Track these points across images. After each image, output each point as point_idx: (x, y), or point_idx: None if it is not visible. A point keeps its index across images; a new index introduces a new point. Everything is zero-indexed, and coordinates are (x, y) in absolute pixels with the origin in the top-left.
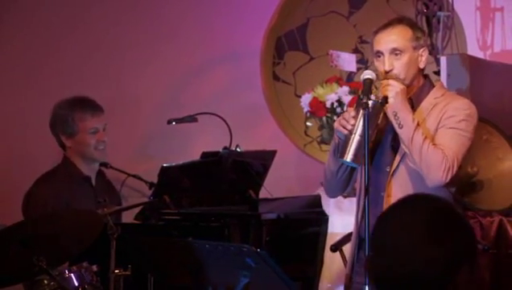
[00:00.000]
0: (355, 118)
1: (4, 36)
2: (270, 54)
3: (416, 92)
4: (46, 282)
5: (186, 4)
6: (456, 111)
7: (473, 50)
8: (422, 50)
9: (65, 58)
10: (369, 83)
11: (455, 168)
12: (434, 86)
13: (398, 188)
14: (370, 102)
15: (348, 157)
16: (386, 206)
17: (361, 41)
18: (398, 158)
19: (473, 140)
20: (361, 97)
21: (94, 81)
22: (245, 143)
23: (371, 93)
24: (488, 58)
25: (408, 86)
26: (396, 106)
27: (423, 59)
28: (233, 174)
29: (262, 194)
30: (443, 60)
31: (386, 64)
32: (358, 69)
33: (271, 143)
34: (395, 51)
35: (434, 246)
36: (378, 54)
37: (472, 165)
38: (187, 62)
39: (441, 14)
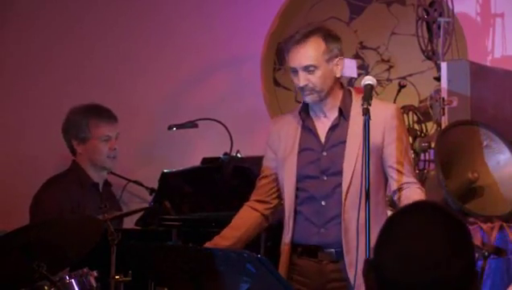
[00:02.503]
0: None
1: (4, 42)
2: (271, 59)
3: (342, 101)
4: (46, 288)
5: (186, 9)
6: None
7: (474, 56)
8: (337, 60)
9: (64, 63)
10: (369, 89)
11: None
12: (350, 92)
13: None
14: None
15: None
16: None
17: (362, 47)
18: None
19: (474, 146)
20: (362, 102)
21: (94, 87)
22: (246, 149)
23: (371, 99)
24: (489, 64)
25: (327, 97)
26: None
27: (339, 68)
28: (234, 180)
29: None
30: (443, 65)
31: (300, 80)
32: (359, 75)
33: None
34: (309, 68)
35: (455, 257)
36: (293, 70)
37: (473, 171)
38: (188, 67)
39: (442, 20)
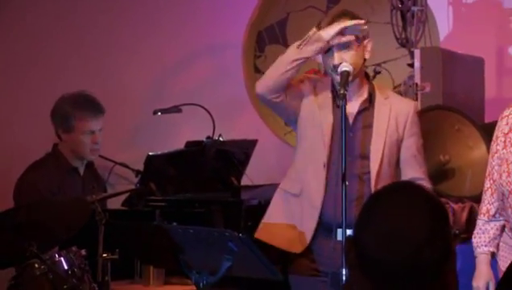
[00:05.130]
0: None
1: None
2: (252, 47)
3: (370, 88)
4: (37, 266)
5: (170, 2)
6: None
7: (446, 43)
8: (367, 41)
9: (54, 53)
10: (346, 75)
11: None
12: (371, 81)
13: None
14: None
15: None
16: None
17: None
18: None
19: (446, 129)
20: (339, 88)
21: (82, 75)
22: (228, 133)
23: (348, 85)
24: (459, 51)
25: (355, 78)
26: None
27: (368, 50)
28: (216, 162)
29: (244, 181)
30: (417, 52)
31: (335, 58)
32: None
33: (252, 133)
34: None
35: (434, 237)
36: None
37: (444, 153)
38: (172, 55)
39: (415, 8)
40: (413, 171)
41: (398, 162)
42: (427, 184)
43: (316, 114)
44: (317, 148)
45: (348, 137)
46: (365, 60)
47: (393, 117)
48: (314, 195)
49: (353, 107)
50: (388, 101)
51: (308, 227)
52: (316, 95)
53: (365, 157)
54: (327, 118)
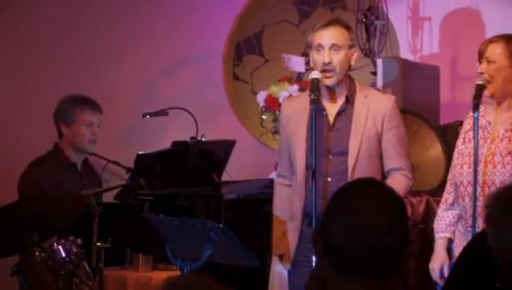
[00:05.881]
0: None
1: (2, 40)
2: (231, 57)
3: (349, 90)
4: (37, 253)
5: (158, 15)
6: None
7: (405, 53)
8: (354, 49)
9: (53, 60)
10: (316, 82)
11: None
12: (355, 83)
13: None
14: None
15: None
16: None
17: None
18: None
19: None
20: (310, 94)
21: (78, 80)
22: (209, 134)
23: (318, 91)
24: (417, 60)
25: (340, 83)
26: None
27: (354, 58)
28: (199, 160)
29: (224, 177)
30: (379, 62)
31: (325, 57)
32: (306, 70)
33: (232, 134)
34: (335, 47)
35: (395, 225)
36: (319, 48)
37: None
38: (160, 64)
39: (378, 22)
40: (392, 162)
41: (381, 155)
42: (406, 173)
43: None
44: (299, 154)
45: (330, 137)
46: (350, 66)
47: (371, 114)
48: (299, 192)
49: (334, 109)
50: (367, 100)
51: (298, 218)
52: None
53: (345, 154)
54: (303, 127)
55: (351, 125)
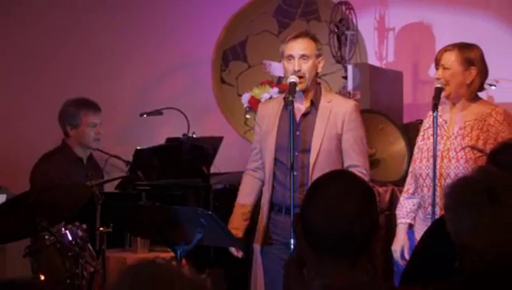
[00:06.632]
0: None
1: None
2: (219, 63)
3: (314, 95)
4: (47, 237)
5: (154, 25)
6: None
7: (372, 60)
8: (320, 58)
9: (60, 66)
10: (294, 85)
11: None
12: (321, 88)
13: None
14: None
15: None
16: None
17: (281, 56)
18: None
19: (372, 128)
20: (287, 96)
21: (82, 83)
22: (200, 131)
23: (295, 93)
24: (383, 66)
25: (307, 88)
26: None
27: (320, 65)
28: (190, 154)
29: (212, 170)
30: (349, 67)
31: (296, 65)
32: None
33: (219, 131)
34: (304, 56)
35: (365, 211)
36: (290, 57)
37: (371, 147)
38: (155, 69)
39: (348, 32)
40: (350, 159)
41: (341, 152)
42: (362, 170)
43: (269, 125)
44: (268, 149)
45: (296, 135)
46: (317, 72)
47: (332, 116)
48: (267, 183)
49: (300, 111)
50: (330, 104)
51: (266, 206)
52: (265, 115)
53: (308, 151)
54: (274, 125)
55: (314, 125)
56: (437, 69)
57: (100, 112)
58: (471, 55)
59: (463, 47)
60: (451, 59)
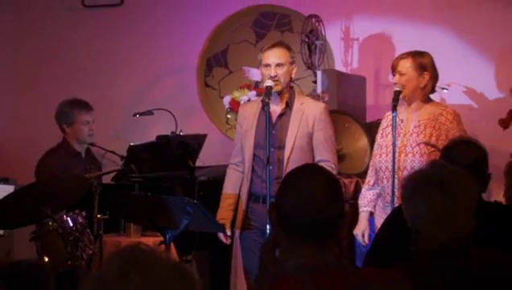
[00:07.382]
0: None
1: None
2: (203, 69)
3: (289, 98)
4: (50, 223)
5: (145, 35)
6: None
7: (339, 66)
8: (293, 65)
9: (59, 68)
10: (269, 88)
11: None
12: (295, 92)
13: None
14: None
15: None
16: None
17: (259, 63)
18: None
19: (339, 127)
20: (264, 98)
21: (82, 87)
22: (186, 129)
23: (271, 95)
24: (348, 72)
25: (283, 91)
26: None
27: (294, 71)
28: (178, 150)
29: (197, 163)
30: (319, 73)
31: (272, 72)
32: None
33: (203, 129)
34: (279, 64)
35: (332, 201)
36: (267, 66)
37: (338, 144)
38: (147, 73)
39: (318, 42)
40: (320, 155)
41: (312, 149)
42: (330, 164)
43: (248, 124)
44: (248, 145)
45: (272, 134)
46: (291, 78)
47: (304, 117)
48: (246, 176)
49: (276, 112)
50: (302, 106)
51: (245, 196)
52: (245, 116)
53: (283, 147)
54: (253, 125)
55: (289, 125)
56: (394, 75)
57: (92, 110)
58: (423, 62)
59: (416, 55)
60: (406, 65)
